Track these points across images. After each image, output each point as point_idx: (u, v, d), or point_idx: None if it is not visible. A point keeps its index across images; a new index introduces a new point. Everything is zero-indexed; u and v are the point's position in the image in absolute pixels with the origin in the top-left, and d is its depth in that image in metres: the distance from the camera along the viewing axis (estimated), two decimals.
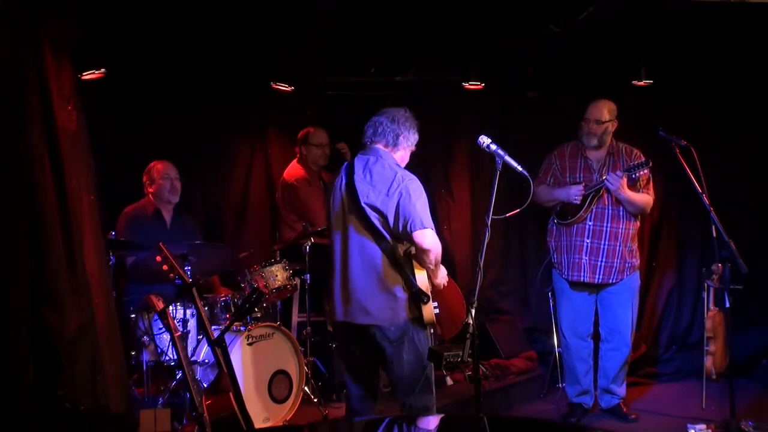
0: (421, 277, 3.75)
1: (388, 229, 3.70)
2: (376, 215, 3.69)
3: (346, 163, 3.92)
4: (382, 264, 3.70)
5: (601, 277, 4.87)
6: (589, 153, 4.96)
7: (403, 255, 3.75)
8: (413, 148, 3.93)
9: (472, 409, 3.88)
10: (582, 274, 4.88)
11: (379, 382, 4.04)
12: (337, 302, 3.85)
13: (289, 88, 6.08)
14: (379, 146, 3.85)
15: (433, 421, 3.25)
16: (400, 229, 3.65)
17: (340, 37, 5.37)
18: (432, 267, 3.74)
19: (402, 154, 3.89)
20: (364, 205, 3.70)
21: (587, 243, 4.86)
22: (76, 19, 4.05)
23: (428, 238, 3.62)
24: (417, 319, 3.74)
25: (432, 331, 4.04)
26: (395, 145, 3.85)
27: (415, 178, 3.74)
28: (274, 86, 6.05)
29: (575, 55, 5.73)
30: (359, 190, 3.72)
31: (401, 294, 3.71)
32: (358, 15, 5.06)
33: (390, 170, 3.75)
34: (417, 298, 3.70)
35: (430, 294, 3.73)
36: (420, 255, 3.70)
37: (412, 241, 3.69)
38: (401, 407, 3.83)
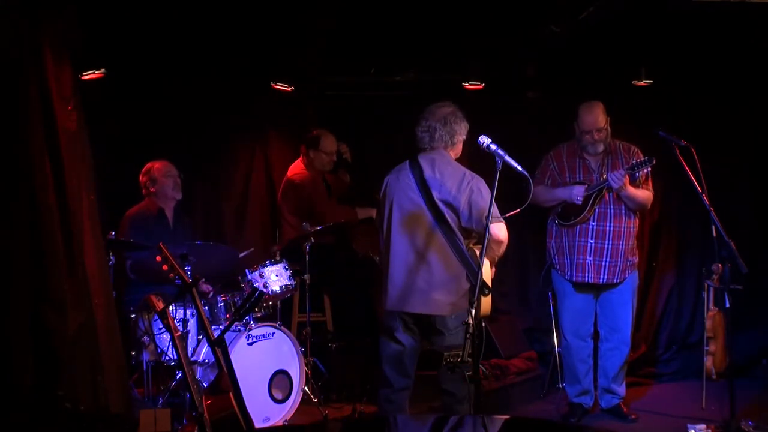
0: (483, 270, 3.85)
1: (459, 224, 3.93)
2: (449, 210, 3.92)
3: (407, 162, 4.10)
4: (452, 257, 3.91)
5: (605, 277, 4.86)
6: (586, 153, 4.95)
7: (467, 248, 3.95)
8: (465, 136, 4.14)
9: (472, 409, 3.89)
10: (587, 275, 4.87)
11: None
12: (393, 292, 4.01)
13: (289, 88, 6.09)
14: (440, 148, 4.06)
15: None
16: (474, 223, 3.90)
17: (340, 37, 5.37)
18: (498, 258, 4.03)
19: (459, 147, 4.14)
20: (437, 201, 3.92)
21: (591, 243, 4.85)
22: (76, 19, 4.04)
23: (503, 230, 3.92)
24: (476, 324, 3.90)
25: (484, 324, 4.16)
26: (453, 144, 4.08)
27: (479, 176, 3.98)
28: (274, 86, 6.05)
29: (575, 55, 5.73)
30: (432, 186, 3.95)
31: (465, 285, 3.92)
32: (358, 15, 5.05)
33: (458, 169, 4.02)
34: (479, 289, 3.81)
35: (490, 286, 3.91)
36: (493, 246, 3.93)
37: (482, 234, 3.84)
38: (443, 393, 4.03)
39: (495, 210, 3.79)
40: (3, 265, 3.58)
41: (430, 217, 3.93)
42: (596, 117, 4.83)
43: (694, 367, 5.89)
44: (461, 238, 3.93)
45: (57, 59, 3.88)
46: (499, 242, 3.93)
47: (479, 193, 3.90)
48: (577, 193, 4.81)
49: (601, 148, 4.89)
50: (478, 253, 3.94)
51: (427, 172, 3.99)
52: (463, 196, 3.90)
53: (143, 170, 5.25)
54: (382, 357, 4.09)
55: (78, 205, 3.92)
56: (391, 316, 4.04)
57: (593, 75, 5.91)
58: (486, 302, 3.91)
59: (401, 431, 3.09)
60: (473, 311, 3.26)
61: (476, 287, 3.37)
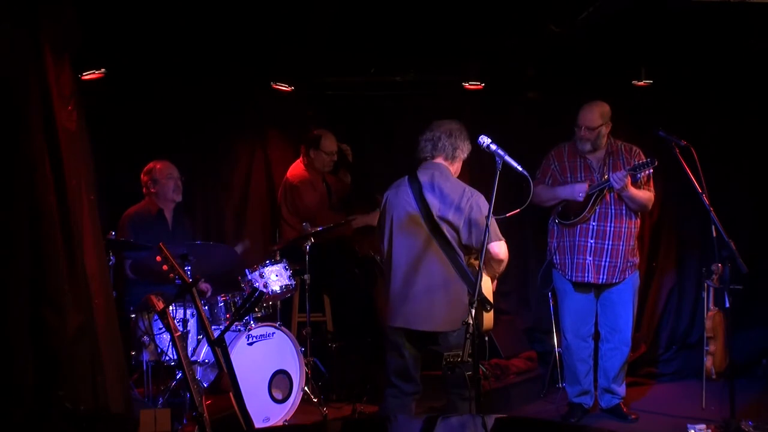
0: (484, 285, 3.90)
1: (459, 241, 3.90)
2: (448, 227, 3.90)
3: (406, 177, 4.08)
4: (452, 273, 3.89)
5: (605, 277, 4.86)
6: (587, 153, 4.95)
7: (468, 264, 3.94)
8: (466, 157, 4.13)
9: (472, 409, 3.88)
10: (586, 274, 4.87)
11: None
12: (394, 308, 4.00)
13: (289, 88, 6.09)
14: (440, 160, 4.04)
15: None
16: (474, 241, 3.87)
17: (340, 37, 5.37)
18: (498, 275, 4.05)
19: (457, 166, 4.11)
20: (437, 218, 3.89)
21: (591, 243, 4.85)
22: (76, 19, 4.04)
23: (503, 249, 3.90)
24: (476, 325, 3.88)
25: (486, 338, 4.18)
26: (453, 158, 4.06)
27: (479, 193, 3.95)
28: (274, 86, 6.06)
29: (575, 56, 5.73)
30: (431, 203, 3.92)
31: (466, 301, 3.87)
32: (358, 15, 5.05)
33: (458, 185, 3.98)
34: (481, 305, 3.82)
35: (492, 301, 3.90)
36: (493, 264, 3.93)
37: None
38: (448, 395, 4.05)
39: (496, 228, 3.81)
40: (3, 265, 3.58)
41: (430, 234, 3.92)
42: (592, 115, 4.83)
43: (694, 367, 5.89)
44: (461, 255, 3.93)
45: (57, 59, 3.87)
46: (500, 261, 3.93)
47: (479, 210, 3.88)
48: (580, 190, 4.80)
49: (587, 147, 4.87)
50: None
51: (426, 188, 3.96)
52: (462, 213, 3.89)
53: (145, 169, 5.24)
54: (389, 369, 4.11)
55: (78, 205, 3.92)
56: (395, 332, 4.04)
57: (593, 75, 5.91)
58: (488, 317, 3.91)
59: (400, 431, 3.10)
60: (473, 311, 3.26)
61: (475, 300, 3.36)
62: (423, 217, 3.93)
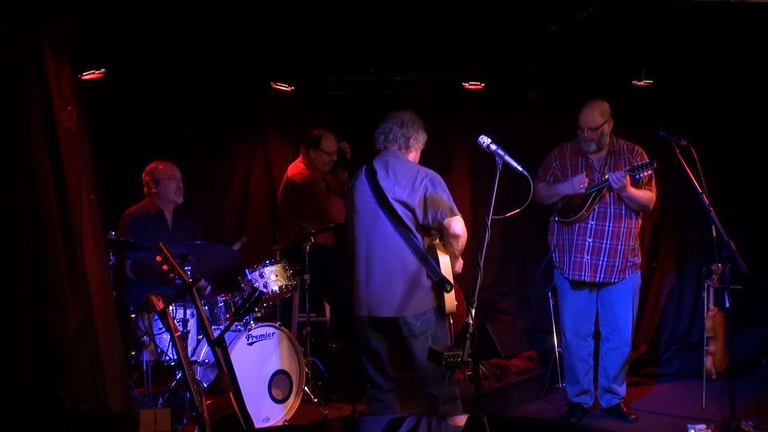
0: (444, 266, 3.91)
1: (416, 222, 3.92)
2: (404, 209, 3.92)
3: (364, 167, 4.12)
4: (409, 256, 3.90)
5: (602, 276, 4.86)
6: (592, 153, 4.95)
7: (427, 246, 3.95)
8: (422, 147, 4.16)
9: (472, 409, 3.88)
10: (583, 273, 4.87)
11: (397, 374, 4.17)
12: (358, 298, 4.02)
13: (289, 88, 6.09)
14: (394, 149, 4.08)
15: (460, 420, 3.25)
16: (430, 220, 3.89)
17: (340, 37, 5.37)
18: (458, 252, 4.01)
19: (414, 155, 4.13)
20: (392, 201, 3.91)
21: (589, 242, 4.85)
22: (76, 19, 4.04)
23: (459, 224, 3.89)
24: (439, 308, 3.93)
25: (451, 321, 4.17)
26: (407, 147, 4.10)
27: (435, 172, 3.98)
28: (274, 86, 6.06)
29: (575, 55, 5.73)
30: (385, 187, 3.95)
31: (426, 283, 3.90)
32: (358, 15, 5.05)
33: (412, 167, 4.01)
34: (441, 286, 3.88)
35: (452, 282, 3.88)
36: (450, 241, 3.93)
37: (441, 230, 3.91)
38: (426, 397, 4.00)
39: (452, 204, 3.85)
40: (3, 265, 3.58)
41: (386, 220, 3.93)
42: (591, 115, 4.84)
43: (694, 367, 5.89)
44: (419, 237, 3.93)
45: (57, 59, 3.87)
46: (457, 236, 3.92)
47: (434, 187, 3.91)
48: (579, 182, 4.80)
49: (592, 147, 4.88)
50: (439, 251, 3.97)
51: (381, 174, 4.00)
52: (417, 194, 3.91)
53: (147, 169, 5.24)
54: (364, 362, 4.11)
55: (78, 205, 3.92)
56: (360, 324, 4.05)
57: (593, 75, 5.92)
58: (450, 298, 3.92)
59: (400, 431, 3.09)
60: (473, 311, 3.25)
61: (474, 299, 3.35)
62: (378, 203, 3.95)
